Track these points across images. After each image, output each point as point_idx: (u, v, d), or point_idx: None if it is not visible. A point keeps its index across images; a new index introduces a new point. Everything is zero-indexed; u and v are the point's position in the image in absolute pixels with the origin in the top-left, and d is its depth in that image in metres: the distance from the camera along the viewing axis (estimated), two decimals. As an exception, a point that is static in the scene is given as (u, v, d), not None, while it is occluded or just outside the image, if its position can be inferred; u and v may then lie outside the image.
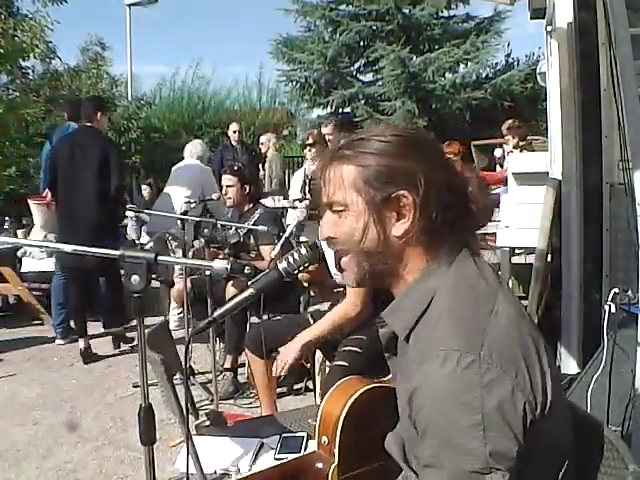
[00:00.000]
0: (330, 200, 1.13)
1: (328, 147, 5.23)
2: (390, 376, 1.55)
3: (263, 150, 7.60)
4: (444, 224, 1.08)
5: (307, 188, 4.82)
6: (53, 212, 4.84)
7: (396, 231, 1.09)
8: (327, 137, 5.59)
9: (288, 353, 2.48)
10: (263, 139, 7.70)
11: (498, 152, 7.52)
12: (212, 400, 3.28)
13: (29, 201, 5.60)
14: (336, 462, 1.36)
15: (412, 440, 1.06)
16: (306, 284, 3.23)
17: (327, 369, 2.77)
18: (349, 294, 2.48)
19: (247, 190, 3.92)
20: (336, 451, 1.36)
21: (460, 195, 1.11)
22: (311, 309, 3.30)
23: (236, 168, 4.01)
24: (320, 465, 1.39)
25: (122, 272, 4.42)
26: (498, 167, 7.81)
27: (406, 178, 1.07)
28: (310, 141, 5.08)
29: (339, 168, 1.11)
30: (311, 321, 2.90)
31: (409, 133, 1.13)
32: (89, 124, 4.49)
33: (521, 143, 6.81)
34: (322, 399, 2.14)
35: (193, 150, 5.76)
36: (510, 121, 7.40)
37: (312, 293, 2.90)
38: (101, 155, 4.34)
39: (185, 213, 3.90)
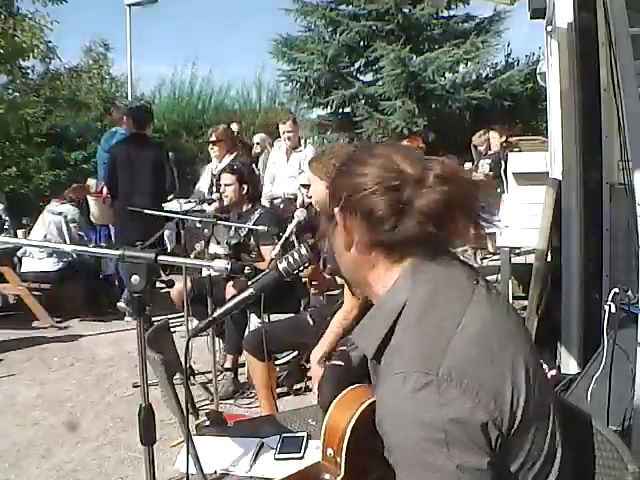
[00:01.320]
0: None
1: (236, 144, 5.20)
2: None
3: (258, 150, 7.57)
4: (401, 238, 1.04)
5: (214, 188, 4.79)
6: (108, 206, 5.56)
7: (352, 248, 1.11)
8: (287, 134, 5.59)
9: (315, 375, 2.51)
10: (257, 139, 7.63)
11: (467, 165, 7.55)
12: (212, 400, 3.28)
13: (88, 196, 5.94)
14: (342, 474, 1.35)
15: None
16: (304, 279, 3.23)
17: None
18: (346, 297, 2.52)
19: (245, 190, 3.91)
20: (342, 463, 1.35)
21: (406, 202, 1.03)
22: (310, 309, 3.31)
23: (235, 167, 4.02)
24: (326, 477, 1.38)
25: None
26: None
27: (333, 196, 1.12)
28: (213, 139, 5.02)
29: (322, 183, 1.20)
30: (310, 322, 2.90)
31: (351, 149, 1.22)
32: (142, 132, 5.27)
33: (504, 144, 6.97)
34: (320, 401, 2.15)
35: None
36: (479, 133, 7.54)
37: (310, 290, 2.90)
38: (155, 158, 5.15)
39: (185, 213, 3.90)
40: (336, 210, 1.10)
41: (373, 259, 1.09)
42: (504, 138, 7.25)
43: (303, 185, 5.15)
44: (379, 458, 1.23)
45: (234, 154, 5.21)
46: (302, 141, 5.83)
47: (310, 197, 2.92)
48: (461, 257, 1.14)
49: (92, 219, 5.95)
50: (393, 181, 1.03)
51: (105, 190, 5.56)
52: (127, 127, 5.63)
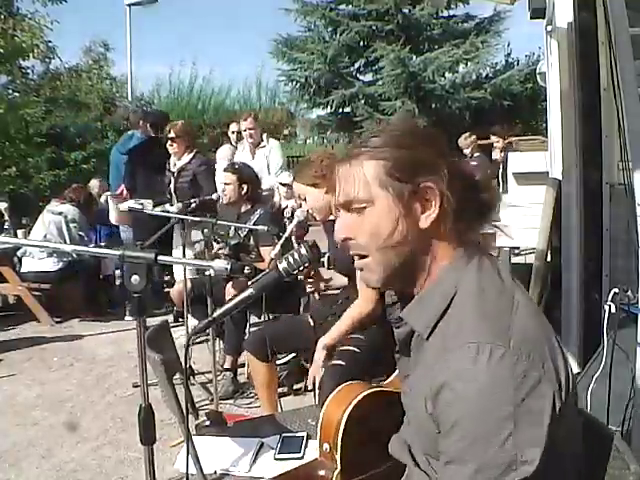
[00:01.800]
0: (349, 198, 1.10)
1: (191, 142, 4.71)
2: (389, 380, 1.55)
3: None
4: (465, 214, 1.08)
5: (172, 187, 4.72)
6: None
7: (422, 223, 1.07)
8: (249, 132, 5.38)
9: (315, 365, 2.49)
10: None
11: None
12: (212, 400, 3.27)
13: (109, 199, 5.95)
14: (339, 469, 1.35)
15: (429, 438, 1.04)
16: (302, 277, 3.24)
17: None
18: (361, 293, 2.48)
19: (245, 189, 3.91)
20: (338, 458, 1.36)
21: (473, 184, 1.12)
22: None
23: (236, 167, 4.02)
24: (323, 472, 1.39)
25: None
26: None
27: (429, 167, 1.06)
28: (172, 135, 4.61)
29: (358, 165, 1.09)
30: (311, 322, 2.90)
31: (420, 127, 1.15)
32: (159, 135, 5.49)
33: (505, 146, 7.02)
34: (320, 399, 2.15)
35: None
36: (464, 135, 7.59)
37: (307, 288, 2.90)
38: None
39: (185, 213, 3.90)
40: (429, 183, 1.06)
41: (440, 238, 1.09)
42: (506, 140, 7.29)
43: (282, 184, 5.10)
44: (377, 452, 1.23)
45: (194, 152, 4.75)
46: (264, 136, 5.58)
47: (298, 206, 2.94)
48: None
49: (111, 220, 5.95)
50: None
51: (125, 192, 5.65)
52: (143, 131, 5.82)
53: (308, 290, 2.90)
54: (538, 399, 0.94)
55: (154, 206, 4.55)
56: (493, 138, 7.45)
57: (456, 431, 0.96)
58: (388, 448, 1.24)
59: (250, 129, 5.44)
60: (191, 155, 4.71)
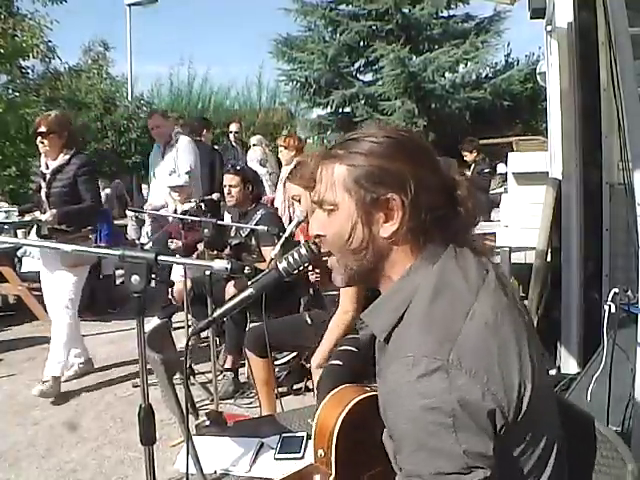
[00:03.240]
0: (320, 198, 1.13)
1: (70, 138, 4.47)
2: None
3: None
4: (431, 225, 1.08)
5: (43, 193, 4.58)
6: None
7: (383, 232, 1.09)
8: (156, 130, 5.18)
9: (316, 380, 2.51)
10: (254, 140, 7.64)
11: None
12: (212, 400, 3.27)
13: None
14: (334, 474, 1.35)
15: (393, 449, 1.06)
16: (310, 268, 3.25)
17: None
18: (341, 302, 2.53)
19: (250, 190, 3.92)
20: (333, 464, 1.35)
21: (448, 198, 1.11)
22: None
23: (239, 168, 4.01)
24: (318, 478, 1.38)
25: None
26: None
27: (396, 181, 1.06)
28: (42, 129, 3.71)
29: (330, 167, 1.11)
30: (309, 321, 2.91)
31: (401, 135, 1.12)
32: (198, 138, 5.89)
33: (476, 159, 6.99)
34: (318, 400, 2.15)
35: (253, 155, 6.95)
36: (466, 140, 7.58)
37: (311, 278, 2.90)
38: (211, 162, 5.80)
39: (185, 213, 3.90)
40: (391, 195, 1.06)
41: (401, 245, 1.10)
42: (475, 154, 7.24)
43: (173, 188, 4.67)
44: (372, 456, 1.23)
45: (72, 150, 3.78)
46: (173, 134, 5.24)
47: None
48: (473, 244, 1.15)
49: None
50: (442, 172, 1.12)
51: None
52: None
53: (312, 280, 2.90)
54: (477, 412, 0.94)
55: (21, 213, 4.47)
56: (464, 153, 7.35)
57: (404, 444, 0.98)
58: (382, 452, 1.24)
59: (157, 127, 5.19)
60: (69, 155, 3.75)
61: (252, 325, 3.60)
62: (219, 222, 3.87)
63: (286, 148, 5.41)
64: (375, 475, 1.33)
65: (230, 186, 3.91)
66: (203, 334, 4.08)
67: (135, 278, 1.31)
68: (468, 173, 7.65)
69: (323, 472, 1.38)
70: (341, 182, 1.09)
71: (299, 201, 2.74)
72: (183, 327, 4.01)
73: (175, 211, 4.56)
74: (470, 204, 1.12)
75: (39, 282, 5.39)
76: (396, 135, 1.11)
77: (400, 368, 0.98)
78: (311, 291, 3.19)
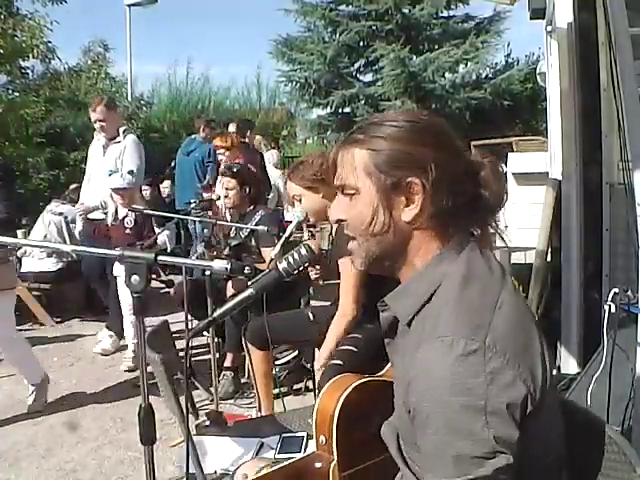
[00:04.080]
0: (342, 183, 1.13)
1: None
2: (384, 371, 1.55)
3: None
4: (454, 210, 1.08)
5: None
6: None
7: (405, 216, 1.09)
8: (99, 123, 4.72)
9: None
10: (254, 141, 7.66)
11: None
12: (212, 400, 3.28)
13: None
14: (335, 460, 1.35)
15: (408, 430, 1.05)
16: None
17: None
18: (341, 303, 2.54)
19: (247, 191, 3.91)
20: (334, 449, 1.35)
21: (471, 181, 1.11)
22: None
23: (235, 170, 3.97)
24: (319, 464, 1.38)
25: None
26: None
27: (417, 164, 1.07)
28: None
29: (351, 152, 1.11)
30: (311, 317, 2.91)
31: (422, 119, 1.12)
32: (243, 140, 6.16)
33: None
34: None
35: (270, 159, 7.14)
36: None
37: (312, 275, 2.90)
38: (258, 163, 5.89)
39: (187, 213, 3.90)
40: (412, 179, 1.06)
41: (424, 231, 1.10)
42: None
43: (116, 190, 4.26)
44: (374, 442, 1.23)
45: None
46: (121, 130, 4.73)
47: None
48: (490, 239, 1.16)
49: None
50: (469, 157, 1.12)
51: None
52: (204, 135, 6.76)
53: (313, 277, 2.90)
54: (510, 397, 0.95)
55: None
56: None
57: (430, 424, 0.97)
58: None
59: (101, 121, 4.66)
60: None
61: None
62: (219, 222, 3.87)
63: (226, 147, 5.25)
64: (378, 462, 1.33)
65: (227, 189, 3.89)
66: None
67: (135, 278, 1.32)
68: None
69: (325, 458, 1.37)
70: (362, 166, 1.09)
71: (300, 200, 2.74)
72: (183, 327, 4.01)
73: (115, 215, 4.35)
74: (495, 186, 1.12)
75: (39, 282, 5.44)
76: (417, 119, 1.11)
77: (434, 348, 0.97)
78: (311, 290, 3.19)
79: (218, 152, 5.34)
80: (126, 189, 4.30)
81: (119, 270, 4.10)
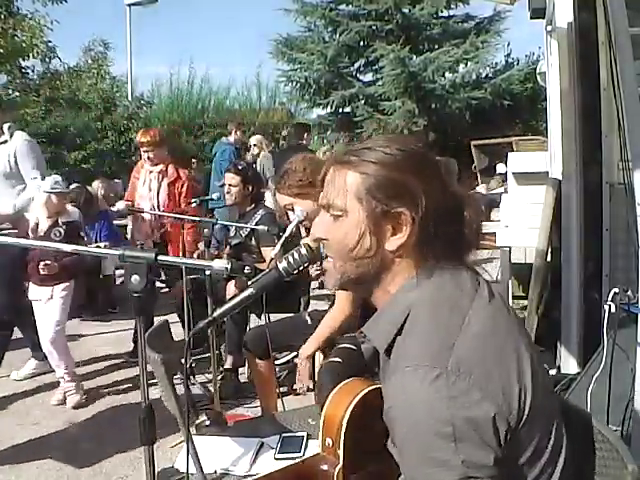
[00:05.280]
0: (329, 203, 1.12)
1: None
2: None
3: (256, 151, 7.60)
4: (436, 242, 1.08)
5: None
6: None
7: (389, 245, 1.09)
8: None
9: (303, 372, 2.54)
10: (254, 141, 7.69)
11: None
12: (212, 400, 3.28)
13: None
14: (341, 464, 1.35)
15: (396, 456, 1.07)
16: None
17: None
18: (337, 300, 2.53)
19: (250, 190, 3.91)
20: (341, 453, 1.35)
21: (456, 217, 1.11)
22: (310, 309, 3.31)
23: (240, 167, 3.99)
24: (325, 467, 1.38)
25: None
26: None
27: (408, 196, 1.06)
28: None
29: (343, 172, 1.11)
30: (309, 321, 2.91)
31: (413, 149, 1.12)
32: (300, 142, 6.48)
33: None
34: (318, 397, 2.15)
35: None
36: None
37: (313, 272, 2.89)
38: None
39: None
40: (403, 210, 1.06)
41: (404, 259, 1.10)
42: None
43: (56, 194, 3.57)
44: (379, 448, 1.23)
45: None
46: (5, 128, 3.95)
47: None
48: (468, 260, 1.14)
49: None
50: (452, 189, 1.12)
51: None
52: (235, 137, 7.05)
53: (314, 274, 2.90)
54: (477, 419, 0.94)
55: None
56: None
57: (405, 453, 0.98)
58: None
59: None
60: None
61: (252, 325, 3.60)
62: (219, 222, 3.87)
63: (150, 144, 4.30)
64: (383, 469, 1.33)
65: (230, 185, 3.91)
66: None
67: (135, 278, 1.32)
68: (481, 189, 7.65)
69: (330, 462, 1.38)
70: (353, 189, 1.09)
71: (292, 210, 2.73)
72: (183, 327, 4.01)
73: (35, 228, 3.61)
74: (475, 226, 1.12)
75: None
76: (409, 148, 1.11)
77: (401, 378, 0.98)
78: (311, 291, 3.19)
79: (142, 149, 4.34)
80: (63, 193, 3.68)
81: (37, 293, 3.62)
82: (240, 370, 3.77)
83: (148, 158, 4.30)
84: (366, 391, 1.41)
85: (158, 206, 4.25)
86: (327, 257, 1.16)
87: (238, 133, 7.13)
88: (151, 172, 4.31)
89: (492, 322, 1.05)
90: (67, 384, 3.63)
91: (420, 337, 1.02)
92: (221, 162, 6.88)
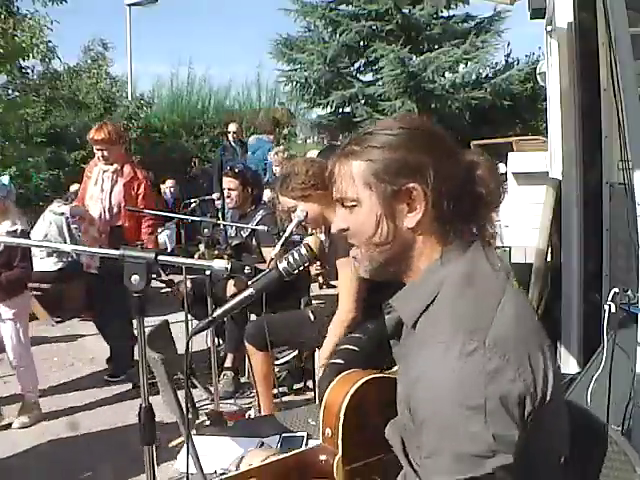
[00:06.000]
0: (341, 196, 1.14)
1: None
2: (394, 369, 1.55)
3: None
4: (456, 212, 1.09)
5: None
6: None
7: (408, 223, 1.09)
8: None
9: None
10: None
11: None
12: (212, 400, 3.28)
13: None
14: (340, 454, 1.35)
15: (410, 429, 1.06)
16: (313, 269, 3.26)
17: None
18: (341, 302, 2.55)
19: (249, 191, 3.91)
20: (340, 442, 1.36)
21: (469, 181, 1.11)
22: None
23: (237, 170, 3.98)
24: (324, 457, 1.39)
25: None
26: None
27: (415, 170, 1.07)
28: None
29: (348, 164, 1.12)
30: (311, 317, 2.92)
31: (416, 125, 1.12)
32: (334, 142, 6.20)
33: None
34: (319, 397, 2.15)
35: None
36: None
37: (314, 271, 2.89)
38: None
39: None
40: (413, 185, 1.07)
41: (427, 235, 1.10)
42: None
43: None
44: (379, 439, 1.23)
45: None
46: None
47: None
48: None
49: None
50: (467, 165, 1.12)
51: None
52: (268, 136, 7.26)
53: (314, 273, 2.90)
54: (509, 397, 0.95)
55: None
56: None
57: (429, 425, 0.98)
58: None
59: None
60: None
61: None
62: (219, 222, 3.87)
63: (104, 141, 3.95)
64: (382, 458, 1.33)
65: (229, 189, 3.90)
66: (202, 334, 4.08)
67: (135, 278, 1.32)
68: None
69: (329, 452, 1.38)
70: (360, 177, 1.10)
71: (294, 211, 2.74)
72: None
73: None
74: (492, 184, 1.12)
75: (39, 282, 5.43)
76: (410, 125, 1.12)
77: (434, 351, 0.99)
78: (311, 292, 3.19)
79: (96, 147, 4.04)
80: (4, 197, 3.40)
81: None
82: (240, 370, 3.77)
83: (102, 157, 4.00)
84: (364, 380, 1.41)
85: (110, 208, 3.96)
86: (355, 246, 1.17)
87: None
88: (105, 171, 4.01)
89: (523, 309, 1.07)
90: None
91: (457, 312, 1.02)
92: (264, 159, 6.99)
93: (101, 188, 4.00)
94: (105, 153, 3.98)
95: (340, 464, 1.35)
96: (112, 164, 4.00)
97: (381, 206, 1.09)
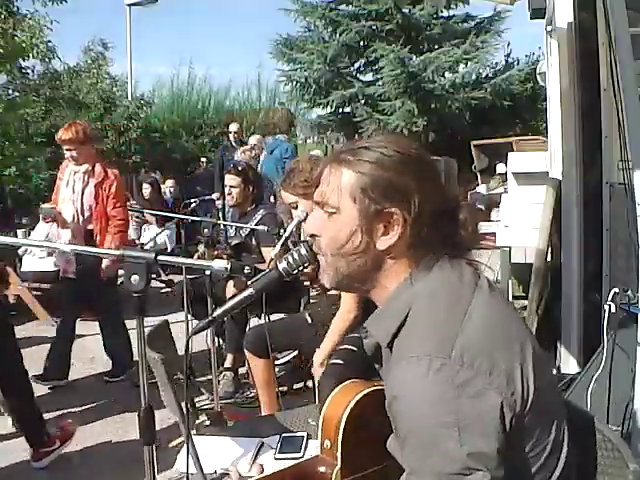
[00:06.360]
0: (324, 200, 1.14)
1: None
2: None
3: (256, 152, 7.61)
4: (430, 243, 1.09)
5: None
6: None
7: (380, 244, 1.10)
8: None
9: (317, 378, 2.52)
10: (254, 141, 7.70)
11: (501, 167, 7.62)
12: (212, 400, 3.27)
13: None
14: (339, 466, 1.35)
15: (399, 449, 1.07)
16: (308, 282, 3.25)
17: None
18: (343, 302, 2.54)
19: (250, 190, 3.91)
20: (339, 455, 1.36)
21: (450, 220, 1.12)
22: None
23: (240, 168, 3.98)
24: (323, 469, 1.39)
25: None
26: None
27: (401, 196, 1.08)
28: None
29: (339, 171, 1.12)
30: (309, 320, 2.91)
31: (410, 151, 1.13)
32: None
33: None
34: (320, 398, 2.15)
35: None
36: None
37: (312, 290, 2.90)
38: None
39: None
40: (394, 210, 1.07)
41: (397, 259, 1.11)
42: None
43: None
44: (378, 450, 1.23)
45: None
46: None
47: None
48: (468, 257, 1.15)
49: None
50: (446, 193, 1.13)
51: None
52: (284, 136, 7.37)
53: (306, 283, 2.91)
54: (482, 407, 0.94)
55: None
56: None
57: (408, 443, 0.98)
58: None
59: None
60: None
61: (252, 325, 3.61)
62: (219, 222, 3.87)
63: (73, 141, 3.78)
64: (382, 470, 1.33)
65: (231, 186, 3.90)
66: (202, 334, 4.08)
67: (135, 278, 1.32)
68: (481, 189, 7.67)
69: (329, 463, 1.38)
70: (347, 188, 1.10)
71: (296, 208, 2.75)
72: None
73: None
74: (471, 228, 1.13)
75: (39, 282, 5.43)
76: (406, 150, 1.12)
77: (404, 369, 0.99)
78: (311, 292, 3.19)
79: (65, 148, 3.86)
80: None
81: None
82: (240, 370, 3.77)
83: (72, 157, 3.85)
84: (364, 393, 1.41)
85: (82, 209, 3.86)
86: (321, 255, 1.17)
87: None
88: (76, 172, 3.89)
89: (493, 313, 1.06)
90: None
91: (423, 329, 1.03)
92: (284, 159, 7.09)
93: (72, 189, 3.92)
94: (74, 153, 3.82)
95: (339, 476, 1.35)
96: (82, 164, 3.86)
97: (360, 220, 1.09)
